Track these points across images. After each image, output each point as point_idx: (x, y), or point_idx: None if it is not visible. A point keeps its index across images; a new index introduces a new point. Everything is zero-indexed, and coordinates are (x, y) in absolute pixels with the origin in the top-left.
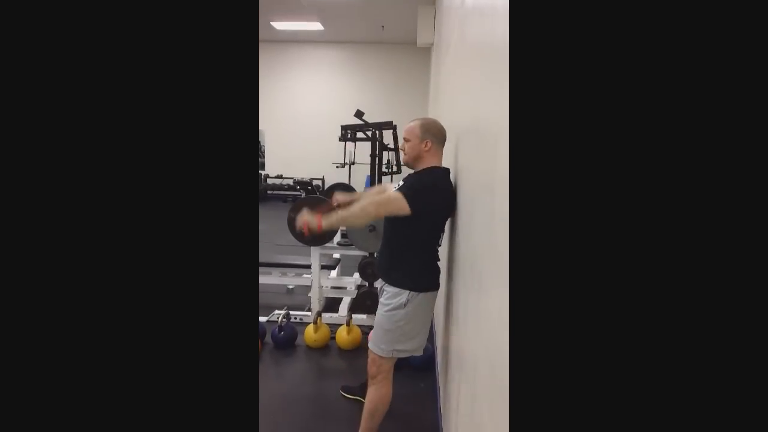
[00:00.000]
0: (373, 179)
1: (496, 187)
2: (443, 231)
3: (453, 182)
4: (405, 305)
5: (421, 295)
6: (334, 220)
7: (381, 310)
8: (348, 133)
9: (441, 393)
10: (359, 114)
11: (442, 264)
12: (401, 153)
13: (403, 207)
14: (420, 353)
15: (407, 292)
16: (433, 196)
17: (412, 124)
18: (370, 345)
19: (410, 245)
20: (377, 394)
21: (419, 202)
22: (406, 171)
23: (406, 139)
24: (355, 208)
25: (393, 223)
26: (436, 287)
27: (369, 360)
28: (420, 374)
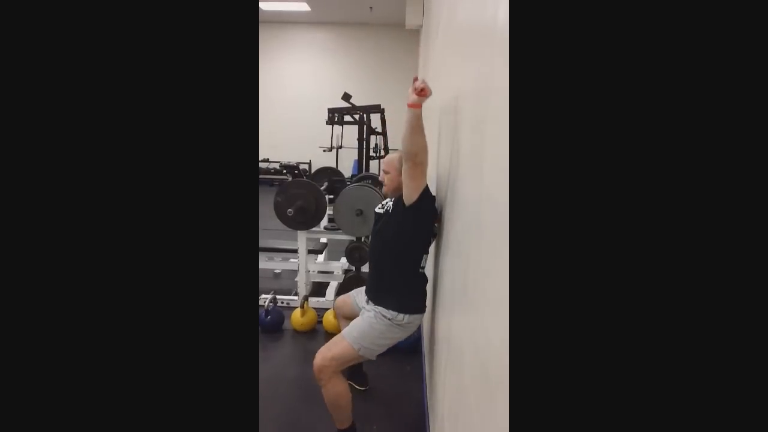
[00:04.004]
0: (361, 163)
1: (485, 169)
2: (427, 252)
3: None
4: (390, 320)
5: (407, 316)
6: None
7: (363, 315)
8: (335, 117)
9: (427, 375)
10: (346, 97)
11: (431, 249)
12: (383, 184)
13: (422, 179)
14: (373, 359)
15: (394, 312)
16: (430, 206)
17: (390, 156)
18: (343, 332)
19: (397, 266)
20: (331, 393)
21: (426, 198)
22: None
23: (385, 172)
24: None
25: (382, 242)
26: (421, 310)
27: (315, 369)
28: (407, 357)
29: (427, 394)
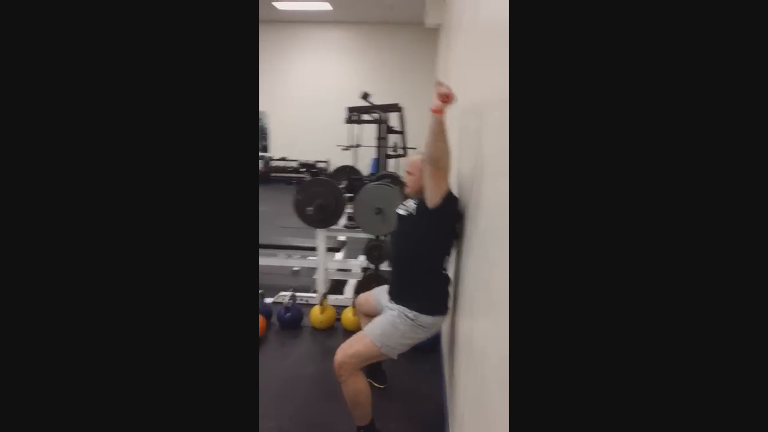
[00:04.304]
0: (380, 162)
1: (506, 168)
2: (449, 254)
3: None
4: (413, 320)
5: (430, 318)
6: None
7: (386, 313)
8: (354, 116)
9: (446, 375)
10: (365, 96)
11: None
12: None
13: (445, 183)
14: (394, 358)
15: (416, 313)
16: (453, 209)
17: (414, 158)
18: (365, 328)
19: (421, 269)
20: (351, 390)
21: (449, 201)
22: (411, 155)
23: (409, 173)
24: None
25: (405, 244)
26: (444, 311)
27: (335, 365)
28: (425, 356)
29: (447, 394)
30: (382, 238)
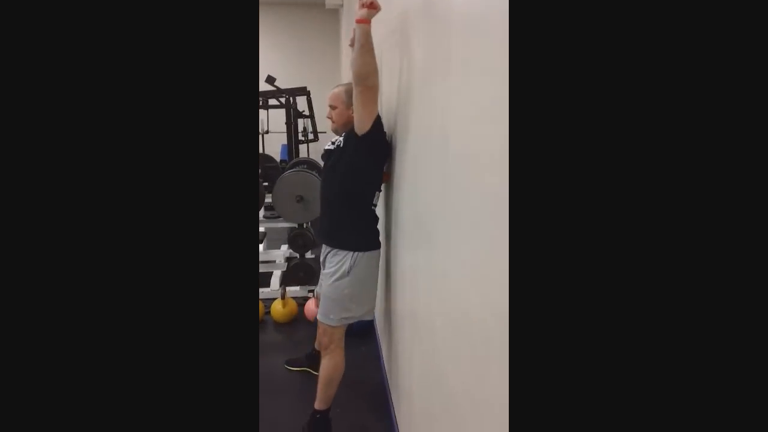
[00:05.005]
0: (291, 147)
1: (449, 148)
2: (380, 189)
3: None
4: (349, 272)
5: (366, 254)
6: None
7: (325, 281)
8: (260, 101)
9: (385, 354)
10: (271, 80)
11: (380, 227)
12: (329, 121)
13: (374, 105)
14: (371, 317)
15: (351, 254)
16: (383, 138)
17: (336, 90)
18: (319, 317)
19: (352, 203)
20: (331, 363)
21: (378, 127)
22: (324, 139)
23: (332, 107)
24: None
25: (335, 177)
26: (379, 245)
27: (320, 331)
28: (360, 340)
29: (387, 372)
30: (305, 225)
